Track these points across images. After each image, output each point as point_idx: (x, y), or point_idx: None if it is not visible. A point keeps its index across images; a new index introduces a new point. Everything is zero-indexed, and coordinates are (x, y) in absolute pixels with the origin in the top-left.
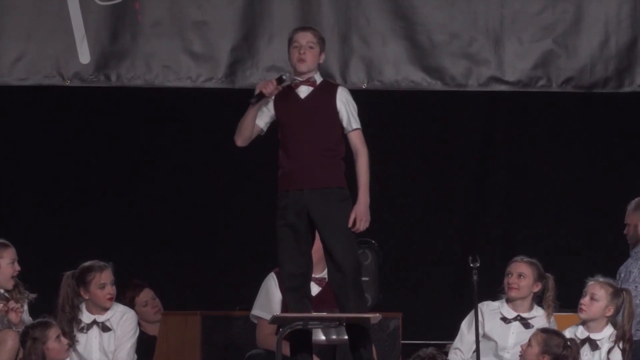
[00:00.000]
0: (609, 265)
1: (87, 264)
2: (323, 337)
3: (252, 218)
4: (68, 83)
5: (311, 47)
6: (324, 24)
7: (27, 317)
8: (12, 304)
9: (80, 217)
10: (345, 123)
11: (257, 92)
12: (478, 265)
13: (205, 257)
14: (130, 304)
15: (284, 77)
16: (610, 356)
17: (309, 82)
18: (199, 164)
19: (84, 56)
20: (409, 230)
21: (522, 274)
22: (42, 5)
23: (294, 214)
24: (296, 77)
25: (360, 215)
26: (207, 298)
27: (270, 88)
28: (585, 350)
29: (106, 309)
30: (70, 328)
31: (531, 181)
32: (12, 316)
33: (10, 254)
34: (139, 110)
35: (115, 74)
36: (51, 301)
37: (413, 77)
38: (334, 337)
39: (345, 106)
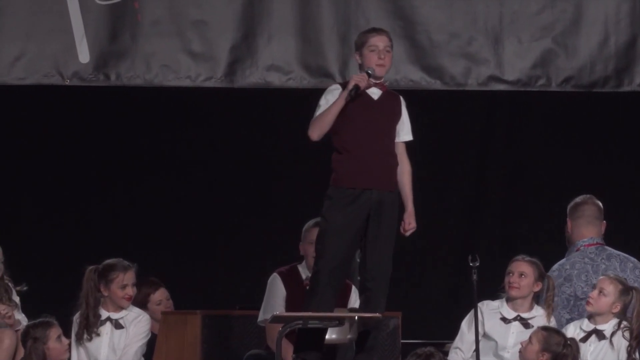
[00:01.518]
0: None
1: (111, 261)
2: (330, 337)
3: (252, 217)
4: (67, 82)
5: (388, 51)
6: (323, 24)
7: (19, 315)
8: (1, 308)
9: (79, 216)
10: (404, 131)
11: (351, 85)
12: (477, 264)
13: (205, 256)
14: (144, 301)
15: (369, 71)
16: (614, 340)
17: (381, 85)
18: (199, 163)
19: (84, 55)
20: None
21: (524, 273)
22: (41, 4)
23: (357, 211)
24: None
25: (413, 223)
26: (207, 297)
27: (365, 82)
28: (592, 340)
29: (122, 309)
30: (94, 321)
31: (530, 180)
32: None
33: None
34: (138, 110)
35: (114, 73)
36: (53, 298)
37: (412, 76)
38: (334, 336)
39: (407, 116)
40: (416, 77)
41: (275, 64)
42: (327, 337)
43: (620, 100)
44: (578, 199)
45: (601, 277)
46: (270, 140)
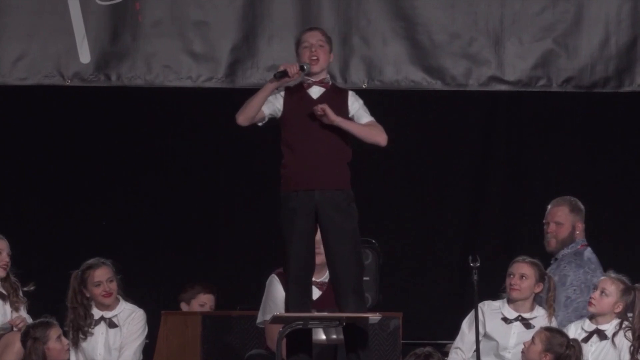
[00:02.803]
0: (610, 264)
1: (87, 262)
2: (324, 337)
3: (252, 218)
4: (68, 83)
5: (321, 46)
6: (324, 24)
7: (24, 315)
8: (16, 320)
9: (81, 216)
10: (362, 119)
11: (281, 69)
12: (478, 264)
13: (205, 257)
14: (191, 297)
15: (304, 66)
16: (616, 340)
17: (322, 82)
18: (199, 163)
19: (85, 56)
20: (410, 230)
21: (524, 274)
22: (42, 5)
23: (303, 215)
24: (308, 78)
25: (323, 108)
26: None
27: (294, 69)
28: (593, 340)
29: (107, 306)
30: (83, 324)
31: (531, 181)
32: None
33: None
34: (139, 110)
35: (115, 73)
36: (55, 300)
37: (413, 77)
38: (334, 336)
39: (357, 106)
40: (417, 77)
41: (276, 65)
42: (326, 337)
43: (621, 101)
44: (577, 201)
45: (602, 277)
46: (270, 141)
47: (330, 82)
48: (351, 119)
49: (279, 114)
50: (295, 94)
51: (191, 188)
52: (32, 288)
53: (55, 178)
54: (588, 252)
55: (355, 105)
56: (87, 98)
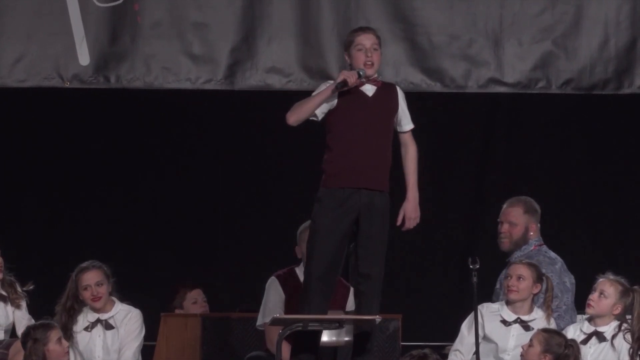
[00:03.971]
0: (610, 265)
1: (81, 264)
2: (335, 339)
3: (252, 220)
4: (67, 84)
5: (375, 49)
6: (323, 25)
7: (26, 315)
8: None
9: (79, 218)
10: (405, 121)
11: (340, 79)
12: (478, 267)
13: (205, 258)
14: (181, 299)
15: (361, 72)
16: (615, 342)
17: (374, 80)
18: (198, 165)
19: (84, 58)
20: (409, 231)
21: (522, 276)
22: (41, 6)
23: (348, 213)
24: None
25: (410, 213)
26: (207, 300)
27: (353, 79)
28: (592, 342)
29: (100, 309)
30: (69, 326)
31: (530, 183)
32: None
33: None
34: (138, 112)
35: (114, 75)
36: (54, 301)
37: (412, 78)
38: (346, 338)
39: (404, 106)
40: (416, 79)
41: (275, 66)
42: (325, 339)
43: (620, 103)
44: (533, 202)
45: (601, 279)
46: (269, 143)
47: (380, 78)
48: (396, 115)
49: (332, 109)
50: (349, 92)
51: (190, 190)
52: (31, 287)
53: (54, 179)
54: (547, 252)
55: (402, 103)
56: (86, 100)
